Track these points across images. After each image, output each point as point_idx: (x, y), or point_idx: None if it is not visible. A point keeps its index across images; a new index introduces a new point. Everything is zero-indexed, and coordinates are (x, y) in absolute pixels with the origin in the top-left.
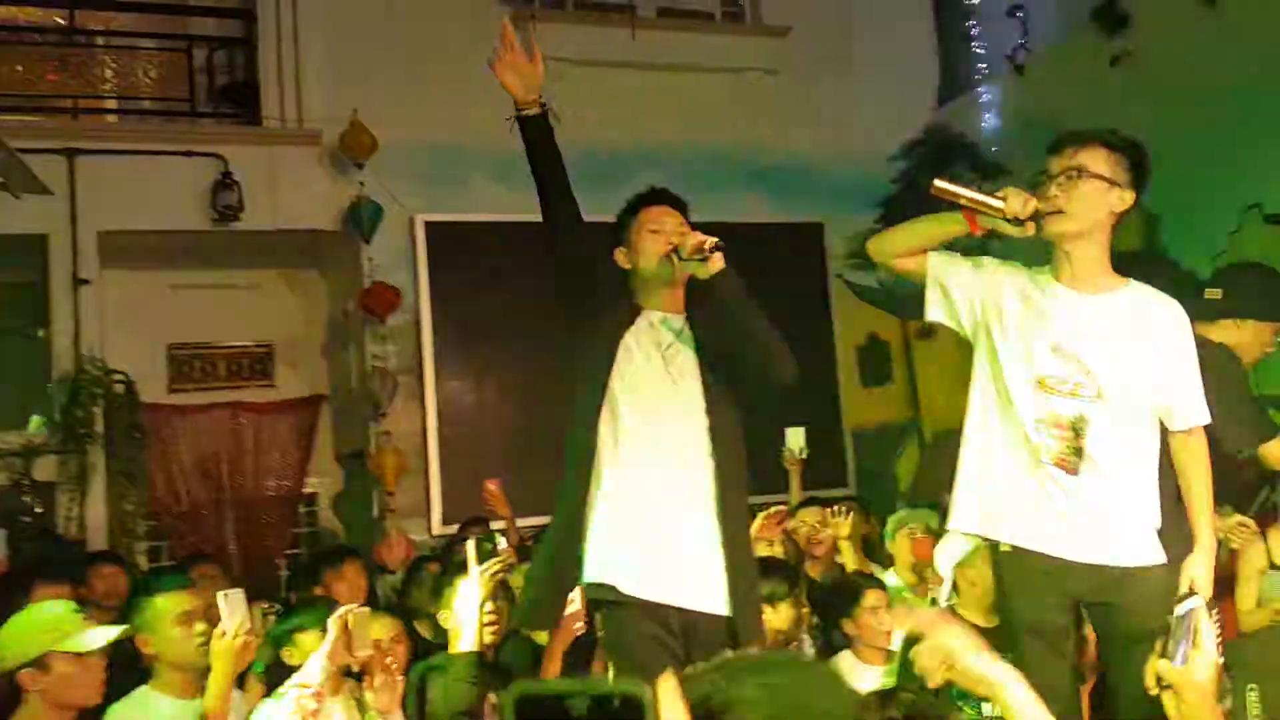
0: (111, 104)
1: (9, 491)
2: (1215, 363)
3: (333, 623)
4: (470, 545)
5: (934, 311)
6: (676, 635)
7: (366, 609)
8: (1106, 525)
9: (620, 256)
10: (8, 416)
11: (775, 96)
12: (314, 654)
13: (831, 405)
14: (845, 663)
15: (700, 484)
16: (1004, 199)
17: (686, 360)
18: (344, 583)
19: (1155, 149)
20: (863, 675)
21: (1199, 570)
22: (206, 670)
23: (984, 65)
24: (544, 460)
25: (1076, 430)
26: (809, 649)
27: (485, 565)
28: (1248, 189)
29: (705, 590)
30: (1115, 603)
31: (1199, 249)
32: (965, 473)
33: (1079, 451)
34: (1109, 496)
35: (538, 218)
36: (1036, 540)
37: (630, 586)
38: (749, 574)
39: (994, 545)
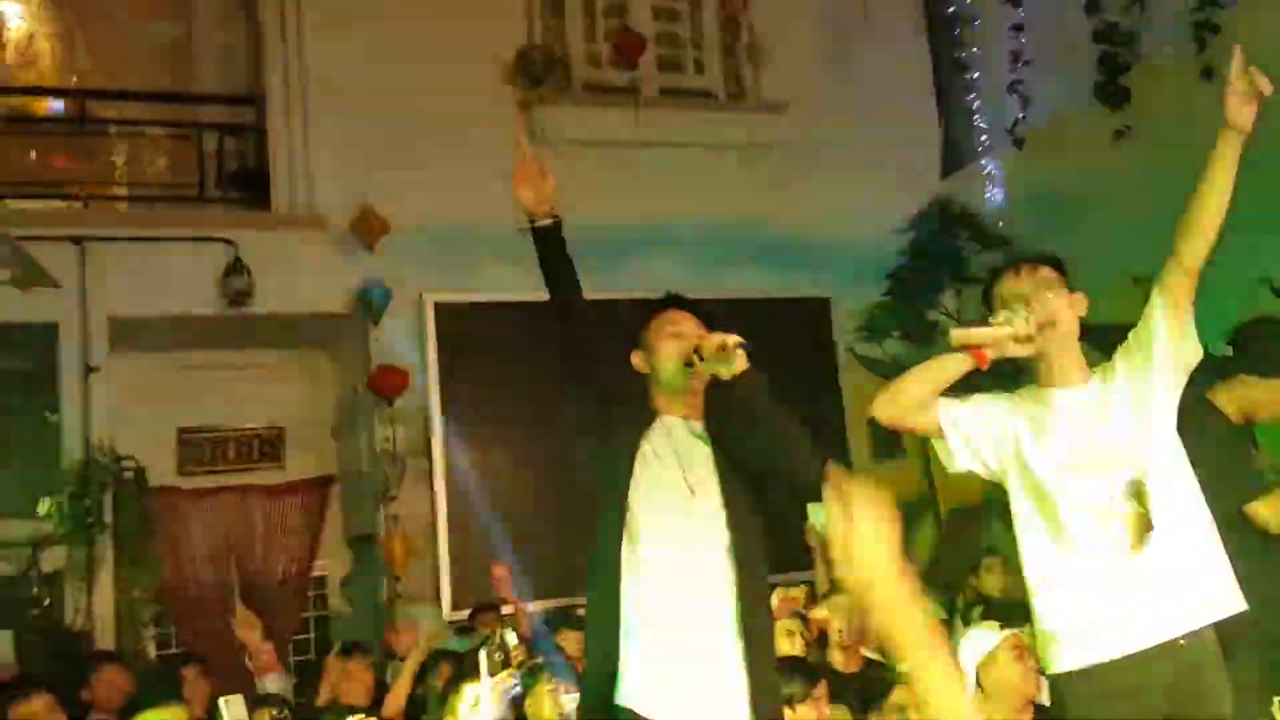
0: (122, 191)
1: (18, 582)
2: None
3: None
4: (483, 655)
5: (963, 460)
6: None
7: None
8: (1182, 589)
9: (638, 360)
10: (17, 505)
11: (778, 172)
12: None
13: None
14: None
15: (721, 604)
16: (1009, 324)
17: (706, 469)
18: (350, 678)
19: (1160, 223)
20: None
21: None
22: None
23: (986, 139)
24: (555, 543)
25: (1139, 496)
26: None
27: (496, 679)
28: (1256, 262)
29: (725, 710)
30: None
31: (1210, 323)
32: (1044, 609)
33: (1145, 518)
34: (1180, 561)
35: (543, 297)
36: (1112, 646)
37: (649, 710)
38: (771, 686)
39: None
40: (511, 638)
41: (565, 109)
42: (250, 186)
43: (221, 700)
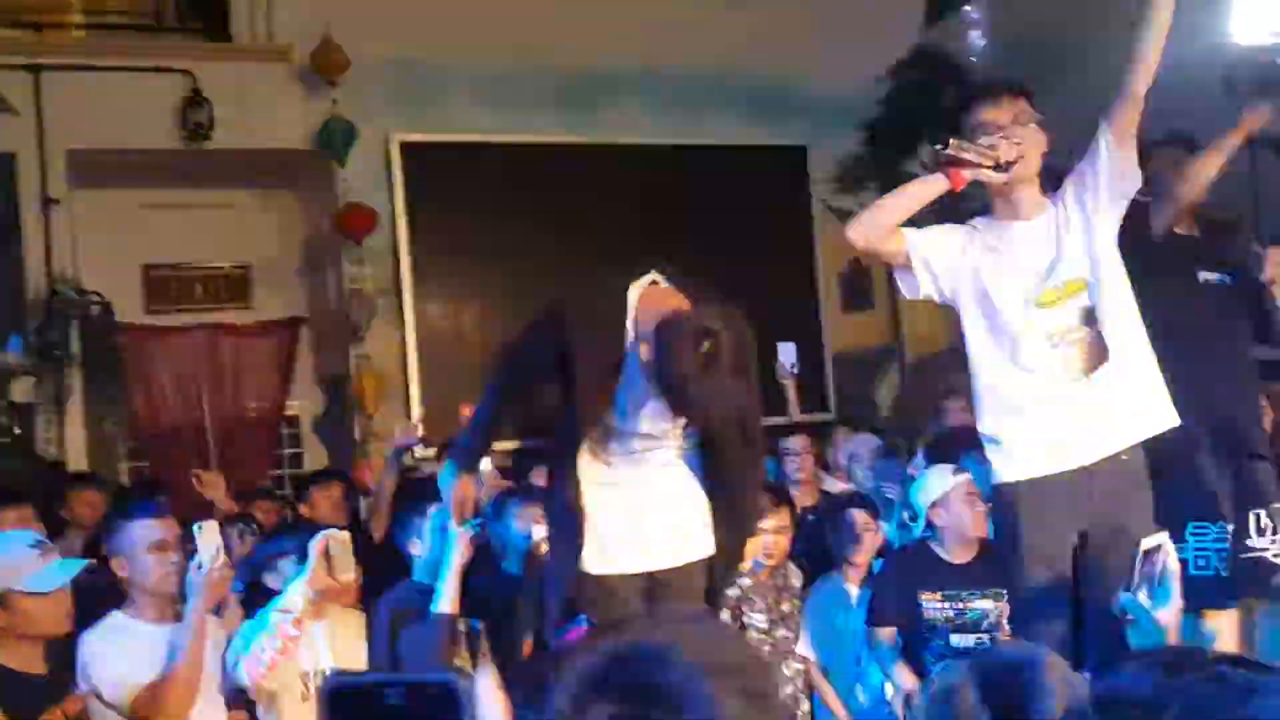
0: (78, 18)
1: None
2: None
3: (313, 548)
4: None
5: (923, 287)
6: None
7: (347, 534)
8: (1127, 408)
9: (645, 352)
10: None
11: (757, 15)
12: (295, 580)
13: (813, 330)
14: (831, 584)
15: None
16: (995, 150)
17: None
18: (329, 500)
19: None
20: (852, 596)
21: None
22: (180, 597)
23: None
24: None
25: (1088, 321)
26: (795, 574)
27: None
28: None
29: (678, 547)
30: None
31: None
32: (989, 428)
33: (1099, 341)
34: (1126, 382)
35: (519, 138)
36: (1062, 461)
37: (595, 567)
38: (739, 510)
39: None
40: (487, 464)
41: None
42: (208, 15)
43: (195, 526)
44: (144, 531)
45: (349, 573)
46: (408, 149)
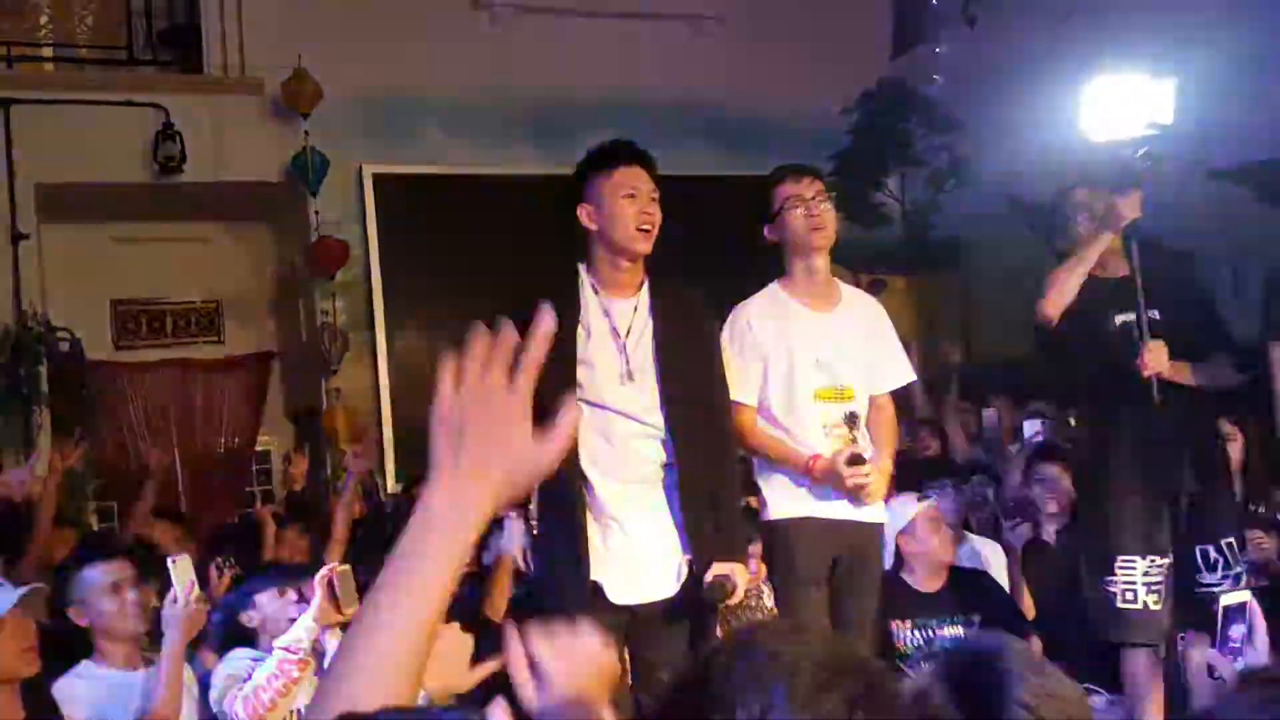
0: (48, 51)
1: None
2: None
3: (319, 583)
4: None
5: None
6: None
7: (348, 567)
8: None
9: (585, 216)
10: None
11: (727, 47)
12: (301, 617)
13: None
14: None
15: (660, 483)
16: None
17: (646, 348)
18: (286, 547)
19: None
20: None
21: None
22: (146, 638)
23: (936, 18)
24: None
25: (851, 425)
26: (769, 595)
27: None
28: None
29: (656, 582)
30: (866, 554)
31: None
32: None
33: (857, 439)
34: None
35: (493, 170)
36: (821, 510)
37: (623, 595)
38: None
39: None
40: None
41: None
42: (179, 47)
43: (170, 560)
44: (96, 575)
45: (354, 605)
46: (380, 181)
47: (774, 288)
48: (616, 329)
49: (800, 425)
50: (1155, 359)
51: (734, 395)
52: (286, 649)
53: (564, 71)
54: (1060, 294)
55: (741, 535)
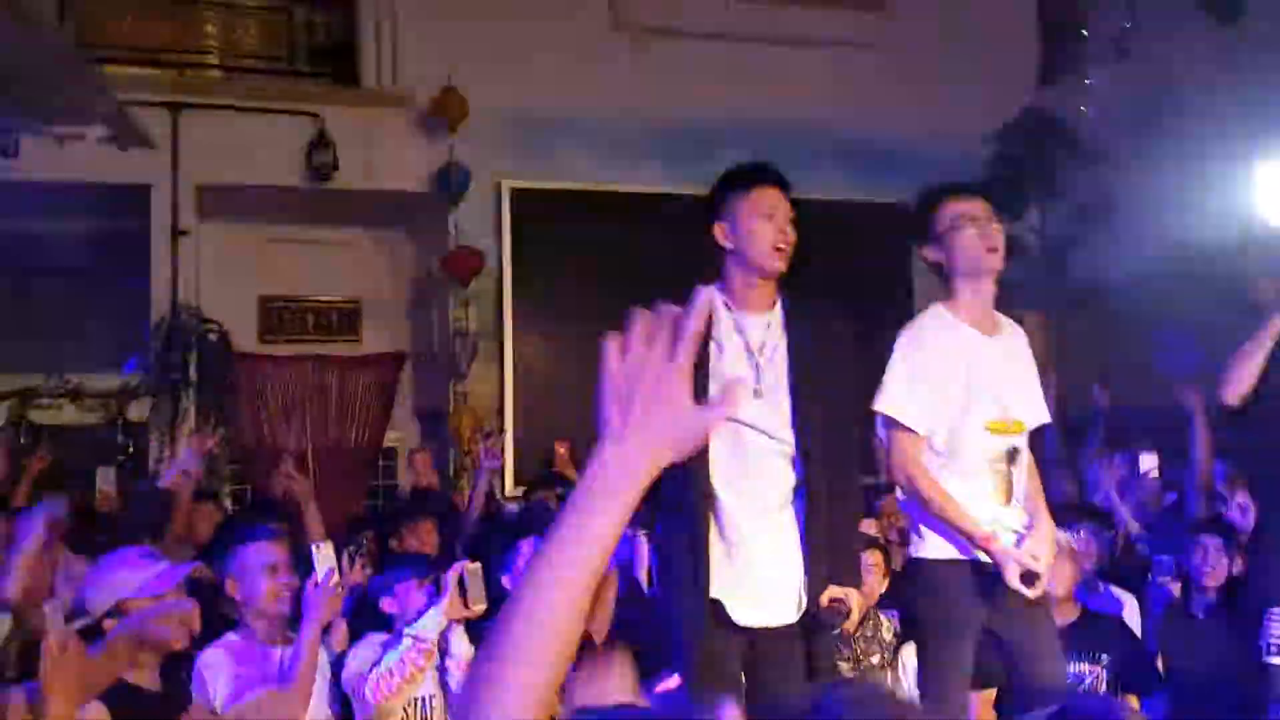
0: (214, 61)
1: (104, 430)
2: None
3: (450, 579)
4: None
5: None
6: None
7: (479, 564)
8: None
9: (720, 233)
10: (106, 358)
11: (870, 73)
12: (431, 609)
13: None
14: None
15: (785, 510)
16: None
17: (779, 365)
18: (418, 540)
19: (1262, 144)
20: None
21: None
22: (291, 617)
23: (1087, 49)
24: None
25: (1011, 461)
26: (887, 626)
27: None
28: None
29: (779, 605)
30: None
31: None
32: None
33: (1015, 481)
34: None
35: (624, 187)
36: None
37: (747, 617)
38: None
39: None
40: None
41: None
42: (338, 62)
43: (314, 545)
44: (258, 554)
45: (482, 603)
46: (518, 195)
47: (939, 309)
48: (750, 345)
49: (962, 456)
50: None
51: (901, 419)
52: (416, 637)
53: (700, 93)
54: (1241, 383)
55: (858, 560)
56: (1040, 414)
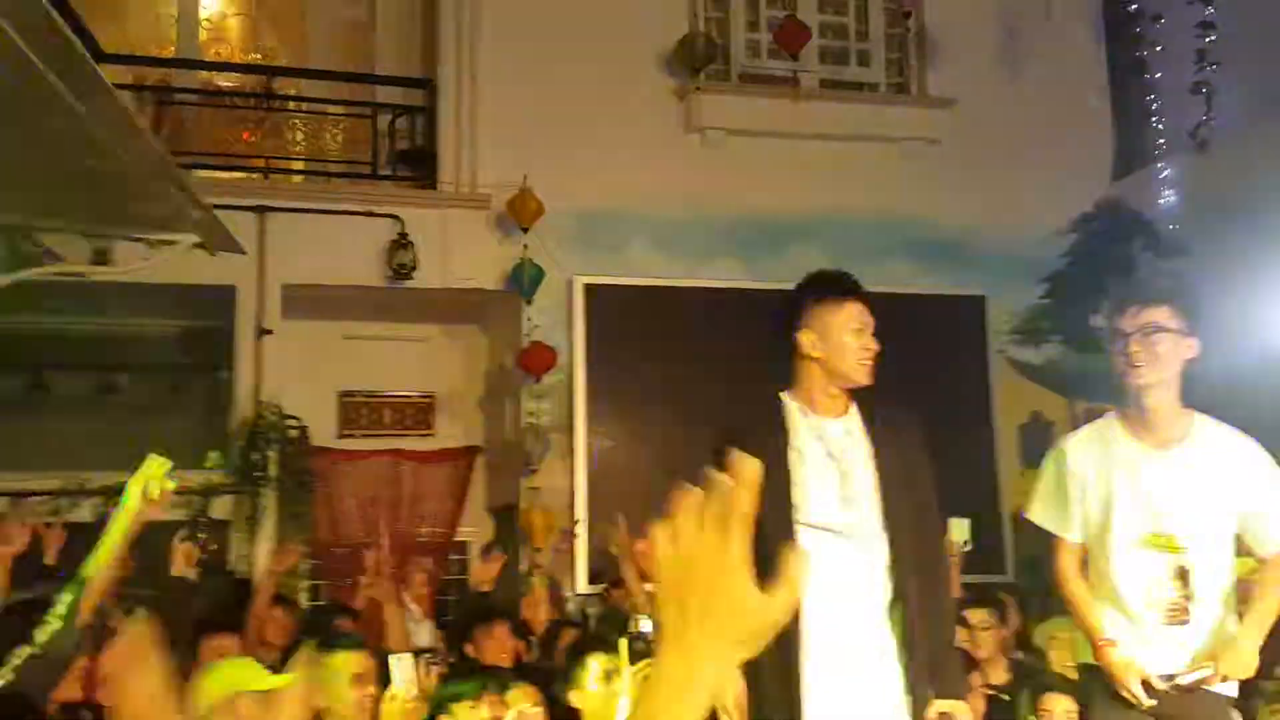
0: (299, 165)
1: (187, 528)
2: None
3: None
4: (623, 643)
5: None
6: None
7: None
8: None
9: (807, 341)
10: (190, 456)
11: (938, 167)
12: None
13: (991, 487)
14: None
15: (882, 624)
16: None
17: (862, 473)
18: (493, 641)
19: None
20: None
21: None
22: None
23: (1163, 141)
24: None
25: (1184, 579)
26: None
27: (638, 666)
28: None
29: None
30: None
31: None
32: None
33: (1189, 598)
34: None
35: (694, 283)
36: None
37: None
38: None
39: None
40: (647, 625)
41: (723, 97)
42: (417, 165)
43: (393, 658)
44: (348, 663)
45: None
46: (590, 291)
47: (1110, 418)
48: (832, 452)
49: (1119, 573)
50: None
51: (1054, 530)
52: None
53: (770, 189)
54: None
55: (959, 671)
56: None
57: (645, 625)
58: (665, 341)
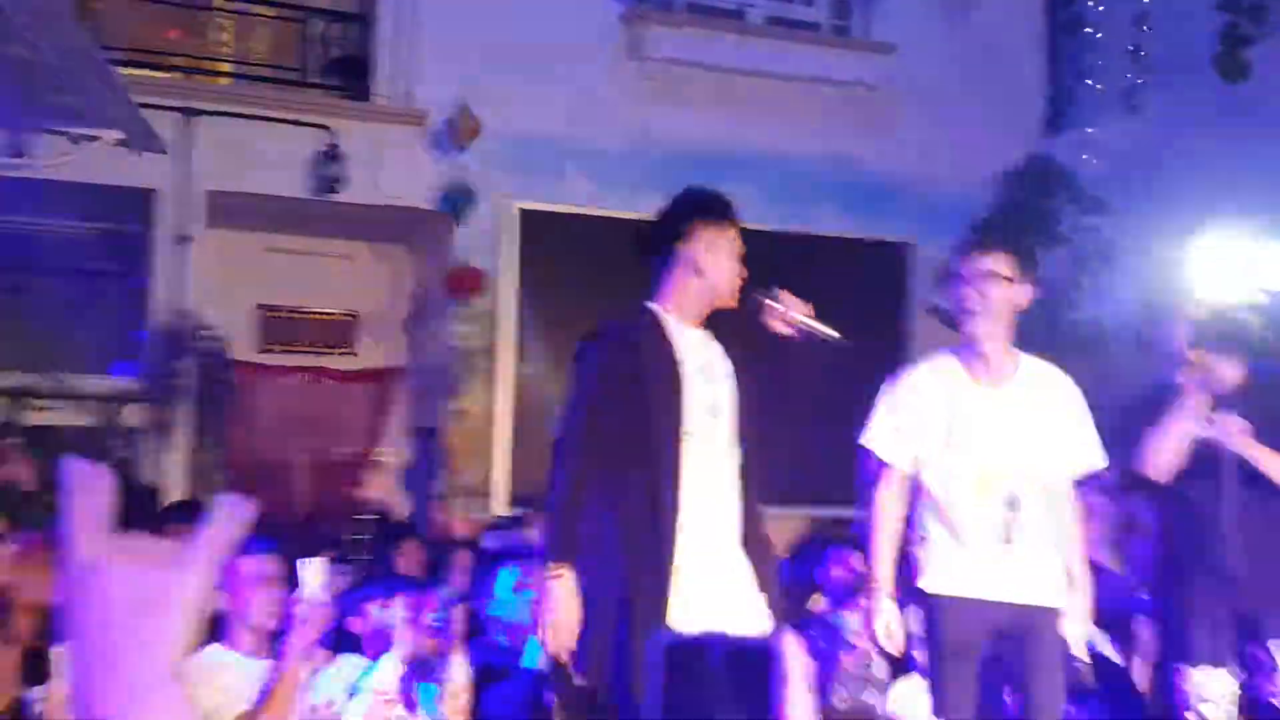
0: (226, 67)
1: (97, 434)
2: None
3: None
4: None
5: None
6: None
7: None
8: (1030, 576)
9: (697, 254)
10: (102, 363)
11: (875, 113)
12: (385, 656)
13: None
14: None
15: (735, 524)
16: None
17: (726, 388)
18: (403, 558)
19: (1270, 203)
20: None
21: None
22: (275, 632)
23: (1096, 101)
24: None
25: (1014, 506)
26: (881, 667)
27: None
28: None
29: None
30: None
31: None
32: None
33: (1013, 524)
34: (1034, 555)
35: (628, 214)
36: (978, 590)
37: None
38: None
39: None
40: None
41: (667, 28)
42: (350, 75)
43: (301, 562)
44: (253, 567)
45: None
46: (525, 216)
47: (948, 353)
48: (701, 365)
49: (953, 503)
50: None
51: (887, 459)
52: (378, 691)
53: (709, 124)
54: (1160, 458)
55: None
56: (1075, 463)
57: None
58: (597, 270)
